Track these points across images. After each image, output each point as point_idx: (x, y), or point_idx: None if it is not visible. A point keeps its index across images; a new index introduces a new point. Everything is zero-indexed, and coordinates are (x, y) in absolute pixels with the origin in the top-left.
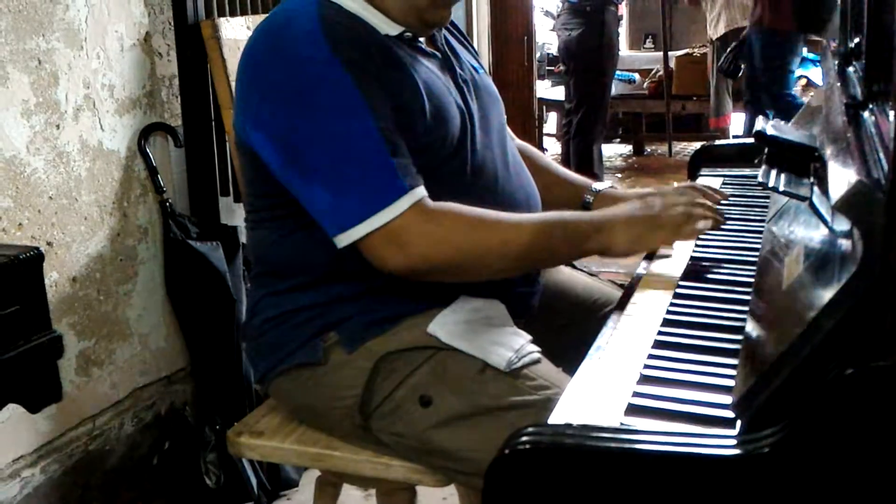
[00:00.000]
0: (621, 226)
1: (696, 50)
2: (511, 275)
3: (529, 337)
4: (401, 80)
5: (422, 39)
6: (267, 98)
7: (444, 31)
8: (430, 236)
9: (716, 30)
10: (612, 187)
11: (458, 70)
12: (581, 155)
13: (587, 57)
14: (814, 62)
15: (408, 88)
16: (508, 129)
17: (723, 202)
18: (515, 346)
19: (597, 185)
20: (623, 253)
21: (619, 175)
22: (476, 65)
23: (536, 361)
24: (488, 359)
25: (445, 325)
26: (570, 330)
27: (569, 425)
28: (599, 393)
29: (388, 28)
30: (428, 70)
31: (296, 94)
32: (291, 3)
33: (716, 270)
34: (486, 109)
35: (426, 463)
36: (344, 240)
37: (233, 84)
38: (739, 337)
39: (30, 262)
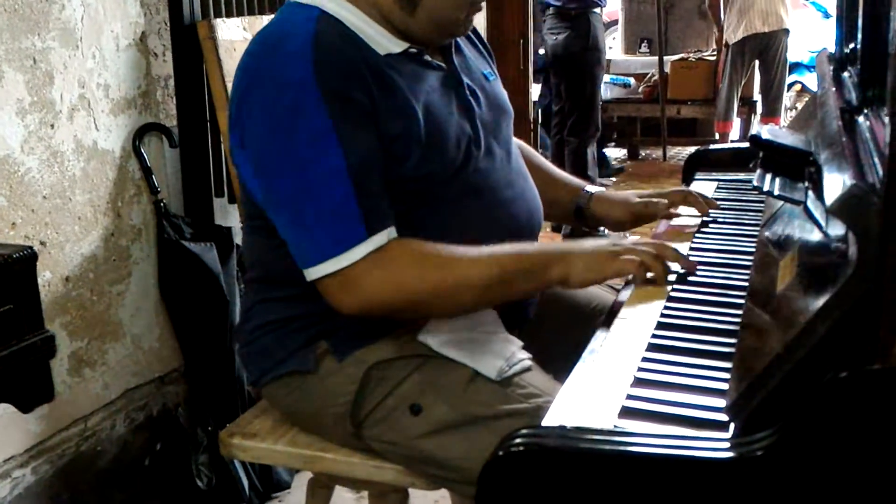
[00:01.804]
0: (580, 256)
1: (691, 55)
2: (471, 310)
3: (521, 343)
4: (395, 107)
5: (427, 54)
6: (250, 118)
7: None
8: (384, 282)
9: (734, 34)
10: (603, 190)
11: (467, 81)
12: (575, 158)
13: (575, 60)
14: (808, 68)
15: (402, 116)
16: None
17: (716, 209)
18: (506, 354)
19: (590, 188)
20: (581, 282)
21: (614, 179)
22: (487, 71)
23: (527, 369)
24: (479, 367)
25: (436, 334)
26: (568, 335)
27: (563, 427)
28: (593, 395)
29: (392, 46)
30: (430, 90)
31: (273, 120)
32: (294, 16)
33: (710, 274)
34: (494, 122)
35: (417, 470)
36: (307, 275)
37: (228, 84)
38: (733, 340)
39: (23, 262)
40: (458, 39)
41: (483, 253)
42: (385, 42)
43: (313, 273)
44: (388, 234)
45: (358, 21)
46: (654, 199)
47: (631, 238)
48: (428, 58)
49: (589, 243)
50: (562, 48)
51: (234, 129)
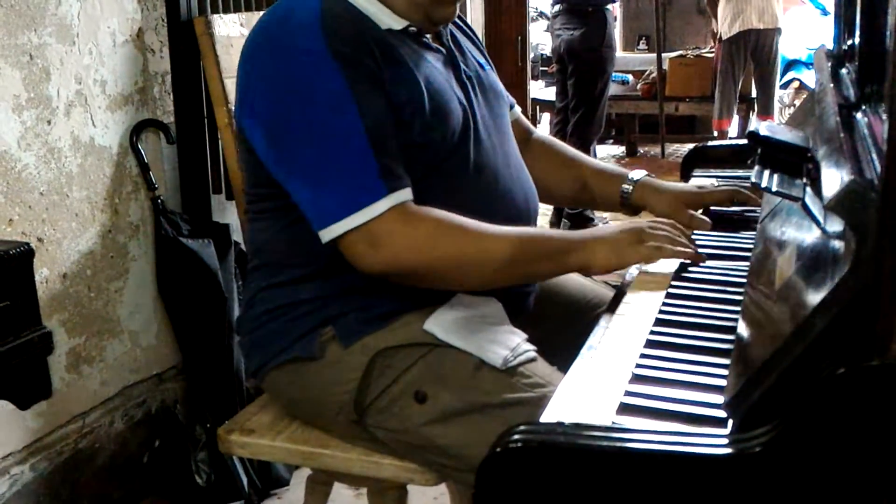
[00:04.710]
0: (602, 242)
1: (689, 52)
2: (489, 287)
3: (525, 335)
4: (400, 76)
5: (427, 34)
6: (261, 87)
7: (450, 27)
8: (408, 240)
9: (729, 29)
10: (648, 175)
11: (463, 66)
12: None
13: (591, 56)
14: (807, 65)
15: (406, 85)
16: (525, 121)
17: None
18: (511, 344)
19: (634, 175)
20: (603, 269)
21: None
22: (482, 61)
23: (532, 359)
24: (484, 356)
25: (442, 322)
26: (562, 330)
27: (560, 424)
28: (591, 392)
29: (392, 22)
30: (430, 65)
31: (287, 86)
32: None
33: (708, 270)
34: (490, 107)
35: (420, 459)
36: (325, 236)
37: (225, 81)
38: (731, 337)
39: (20, 258)
40: (455, 32)
41: (506, 231)
42: (386, 18)
43: (337, 229)
44: (408, 193)
45: None
46: (709, 190)
47: (644, 221)
48: (427, 39)
49: (609, 229)
50: (578, 43)
51: (243, 100)
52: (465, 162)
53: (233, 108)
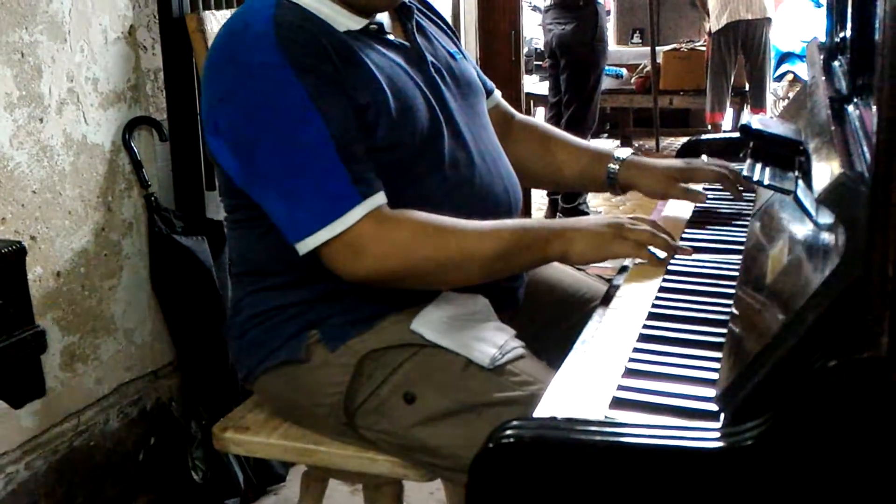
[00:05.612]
0: (583, 233)
1: (683, 45)
2: (473, 283)
3: (513, 332)
4: (361, 78)
5: (388, 30)
6: (223, 104)
7: (415, 17)
8: (388, 245)
9: (717, 22)
10: (635, 153)
11: (431, 59)
12: None
13: (582, 51)
14: (800, 57)
15: (369, 87)
16: (506, 105)
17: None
18: (499, 342)
19: (619, 153)
20: (582, 259)
21: None
22: (453, 50)
23: (520, 357)
24: (471, 356)
25: (429, 322)
26: (556, 324)
27: (553, 418)
28: (584, 386)
29: (351, 23)
30: (392, 64)
31: (248, 101)
32: (253, 6)
33: (701, 264)
34: (464, 98)
35: (411, 459)
36: (302, 248)
37: None
38: (724, 330)
39: (12, 257)
40: (421, 21)
41: (486, 226)
42: (343, 20)
43: (312, 242)
44: (382, 197)
45: (314, 2)
46: (698, 167)
47: (625, 217)
48: (390, 36)
49: (590, 221)
50: (570, 38)
51: (207, 120)
52: (439, 159)
53: None
